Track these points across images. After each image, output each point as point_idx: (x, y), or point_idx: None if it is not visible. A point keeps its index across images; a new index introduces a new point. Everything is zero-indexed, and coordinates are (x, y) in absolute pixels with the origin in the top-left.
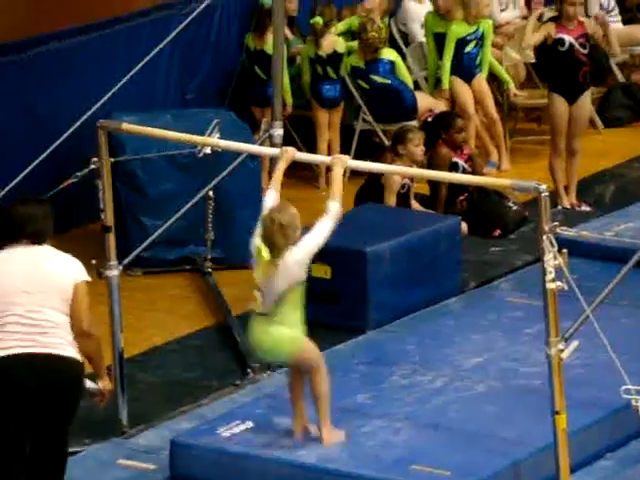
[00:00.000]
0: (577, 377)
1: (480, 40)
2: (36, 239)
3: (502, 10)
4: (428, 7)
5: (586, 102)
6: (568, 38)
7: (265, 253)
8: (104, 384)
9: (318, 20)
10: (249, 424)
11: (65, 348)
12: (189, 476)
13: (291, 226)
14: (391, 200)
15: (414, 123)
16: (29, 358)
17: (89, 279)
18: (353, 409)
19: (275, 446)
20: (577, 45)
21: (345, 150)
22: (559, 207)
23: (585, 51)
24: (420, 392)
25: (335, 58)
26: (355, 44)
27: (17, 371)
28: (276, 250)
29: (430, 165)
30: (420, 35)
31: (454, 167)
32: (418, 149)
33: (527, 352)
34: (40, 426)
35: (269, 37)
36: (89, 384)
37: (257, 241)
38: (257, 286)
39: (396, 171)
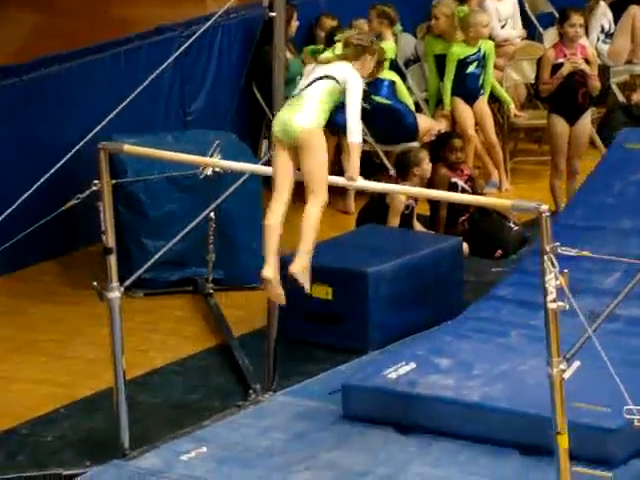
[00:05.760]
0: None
1: (482, 61)
2: None
3: (502, 27)
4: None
5: (586, 123)
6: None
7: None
8: None
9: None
10: (412, 365)
11: None
12: (361, 416)
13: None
14: (395, 221)
15: (415, 144)
16: None
17: None
18: None
19: (437, 386)
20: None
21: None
22: None
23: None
24: None
25: None
26: None
27: None
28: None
29: (429, 185)
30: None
31: (453, 187)
32: (429, 167)
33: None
34: None
35: None
36: None
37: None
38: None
39: (404, 191)
